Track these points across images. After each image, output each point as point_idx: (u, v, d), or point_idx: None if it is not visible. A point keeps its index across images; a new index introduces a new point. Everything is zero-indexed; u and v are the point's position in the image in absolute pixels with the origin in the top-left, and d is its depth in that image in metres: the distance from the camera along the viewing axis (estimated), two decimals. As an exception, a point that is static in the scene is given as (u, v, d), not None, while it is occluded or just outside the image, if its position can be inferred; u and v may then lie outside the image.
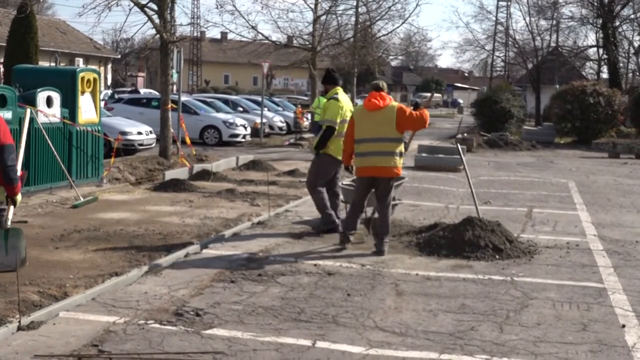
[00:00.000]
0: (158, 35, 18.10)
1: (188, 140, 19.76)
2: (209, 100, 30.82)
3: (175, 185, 13.92)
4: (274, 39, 33.79)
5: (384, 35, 40.44)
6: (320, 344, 5.79)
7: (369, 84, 9.93)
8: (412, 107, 9.57)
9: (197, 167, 16.82)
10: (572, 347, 5.93)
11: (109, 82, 57.71)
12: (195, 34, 69.05)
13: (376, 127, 9.12)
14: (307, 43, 32.27)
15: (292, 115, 32.35)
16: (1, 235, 7.20)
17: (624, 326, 6.50)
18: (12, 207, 7.08)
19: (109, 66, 59.59)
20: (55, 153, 12.55)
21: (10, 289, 6.70)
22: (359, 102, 42.06)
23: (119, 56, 72.45)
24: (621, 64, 49.93)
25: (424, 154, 20.99)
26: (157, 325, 6.09)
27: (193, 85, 73.37)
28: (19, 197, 7.10)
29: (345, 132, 9.68)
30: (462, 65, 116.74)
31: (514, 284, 7.85)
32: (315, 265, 8.38)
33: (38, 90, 12.61)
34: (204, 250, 9.01)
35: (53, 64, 35.05)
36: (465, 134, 31.22)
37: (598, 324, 6.58)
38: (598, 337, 6.19)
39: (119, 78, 74.70)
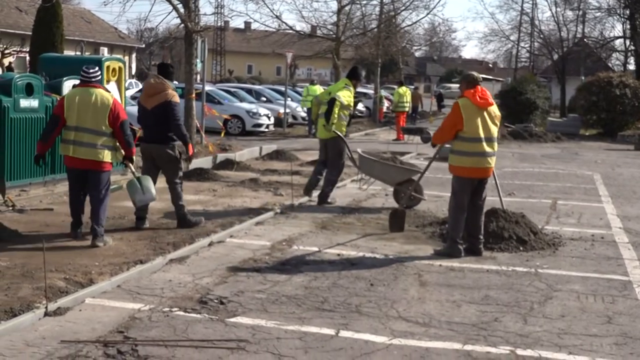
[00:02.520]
0: (182, 25, 18.14)
1: (223, 118, 19.59)
2: (232, 90, 30.88)
3: (199, 175, 13.97)
4: (298, 28, 33.82)
5: (408, 25, 40.22)
6: (344, 333, 5.81)
7: (454, 78, 9.98)
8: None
9: (221, 156, 16.87)
10: (596, 339, 5.91)
11: (134, 71, 57.95)
12: (219, 24, 69.15)
13: (490, 126, 8.69)
14: (331, 33, 32.20)
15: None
16: (136, 182, 9.25)
17: (649, 319, 6.46)
18: (131, 164, 9.06)
19: (133, 55, 59.86)
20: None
21: (37, 275, 6.78)
22: (383, 92, 42.01)
23: (143, 46, 72.74)
24: (648, 56, 49.37)
25: (447, 145, 20.84)
26: (181, 313, 6.13)
27: (217, 75, 73.50)
28: (134, 158, 9.05)
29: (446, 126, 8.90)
30: (486, 56, 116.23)
31: (538, 275, 7.82)
32: (338, 255, 8.40)
33: (64, 78, 12.66)
34: (228, 239, 9.05)
35: (78, 53, 35.27)
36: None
37: (623, 316, 6.54)
38: (623, 330, 6.16)
39: (143, 67, 74.94)
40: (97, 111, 8.47)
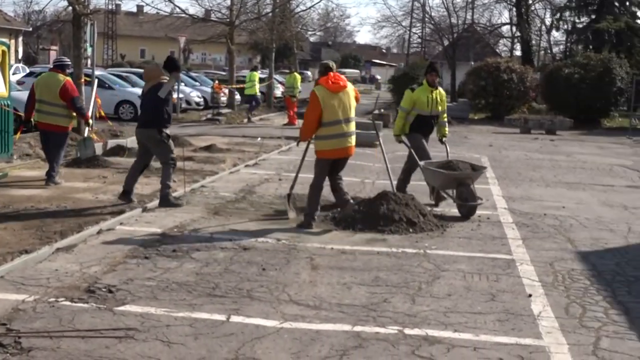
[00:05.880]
0: (70, 8, 17.63)
1: (102, 112, 19.34)
2: (124, 74, 30.25)
3: (88, 161, 13.62)
4: (191, 12, 33.44)
5: (302, 10, 40.47)
6: (235, 319, 5.80)
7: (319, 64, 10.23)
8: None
9: (112, 142, 16.51)
10: (480, 316, 6.10)
11: (20, 55, 55.93)
12: (110, 7, 67.59)
13: (347, 108, 9.34)
14: (224, 17, 31.97)
15: (209, 90, 32.03)
16: (82, 141, 13.05)
17: (530, 296, 6.71)
18: (87, 127, 12.48)
19: (20, 39, 57.72)
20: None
21: None
22: (278, 77, 42.03)
23: (31, 29, 70.21)
24: (533, 42, 51.16)
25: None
26: (68, 303, 5.99)
27: (108, 60, 71.83)
28: (90, 121, 12.57)
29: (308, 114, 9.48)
30: (379, 41, 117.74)
31: (426, 256, 8.01)
32: (230, 240, 8.37)
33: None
34: (118, 227, 8.88)
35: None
36: (383, 110, 31.48)
37: (506, 294, 6.77)
38: (506, 307, 6.38)
39: (31, 52, 72.49)
40: None
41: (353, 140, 9.48)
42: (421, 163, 10.94)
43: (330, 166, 9.50)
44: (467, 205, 10.28)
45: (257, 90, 28.54)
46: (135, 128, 10.61)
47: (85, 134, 13.06)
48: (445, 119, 11.84)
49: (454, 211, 10.53)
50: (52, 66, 12.63)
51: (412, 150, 11.28)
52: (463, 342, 5.49)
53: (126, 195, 10.20)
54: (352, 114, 9.44)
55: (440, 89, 11.57)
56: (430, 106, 11.29)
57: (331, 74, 9.38)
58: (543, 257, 8.22)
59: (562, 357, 5.30)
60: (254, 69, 29.57)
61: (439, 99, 11.40)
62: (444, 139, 11.87)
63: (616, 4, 44.14)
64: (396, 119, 11.86)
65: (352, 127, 9.43)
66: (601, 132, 29.61)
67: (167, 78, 10.15)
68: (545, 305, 6.44)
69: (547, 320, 6.05)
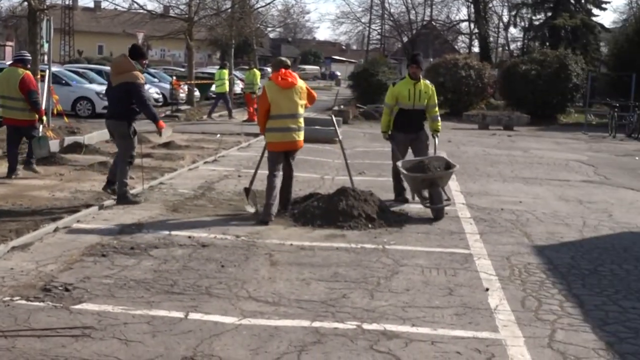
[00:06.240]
0: (26, 3, 17.38)
1: (60, 107, 19.13)
2: (81, 71, 29.90)
3: (45, 158, 13.44)
4: (149, 8, 33.18)
5: (262, 6, 40.37)
6: (193, 316, 5.78)
7: (274, 60, 10.38)
8: None
9: (69, 139, 16.32)
10: (438, 310, 6.15)
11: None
12: (66, 2, 66.72)
13: (293, 104, 9.60)
14: (183, 13, 31.76)
15: (168, 87, 31.79)
16: (37, 140, 12.36)
17: (487, 290, 6.78)
18: (41, 126, 12.51)
19: (-26, 34, 56.77)
20: None
21: None
22: (238, 73, 41.89)
23: (-15, 24, 69.04)
24: (491, 39, 51.65)
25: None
26: (23, 302, 5.91)
27: (65, 56, 70.87)
28: (44, 118, 12.73)
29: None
30: (339, 37, 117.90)
31: (385, 251, 8.05)
32: (189, 237, 8.33)
33: None
34: (75, 225, 8.78)
35: None
36: (342, 106, 31.58)
37: (463, 288, 6.84)
38: (463, 301, 6.44)
39: (-15, 47, 71.24)
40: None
41: (300, 135, 9.73)
42: (398, 164, 10.69)
43: (282, 158, 9.76)
44: (434, 208, 10.02)
45: (227, 88, 28.43)
46: (105, 119, 10.60)
47: (40, 133, 12.98)
48: (437, 114, 11.31)
49: (413, 207, 10.60)
50: (12, 61, 12.90)
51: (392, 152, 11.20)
52: (421, 337, 5.53)
53: (111, 186, 10.31)
54: (300, 110, 9.70)
55: (426, 82, 11.14)
56: (412, 99, 10.94)
57: (283, 70, 9.64)
58: (500, 251, 8.31)
59: (518, 350, 5.36)
60: (224, 66, 29.39)
61: (422, 92, 11.00)
62: (437, 133, 11.41)
63: (572, 1, 44.83)
64: (382, 115, 11.64)
65: (298, 122, 9.68)
66: (557, 128, 29.99)
67: (139, 72, 10.15)
68: (501, 299, 6.52)
69: (503, 314, 6.13)
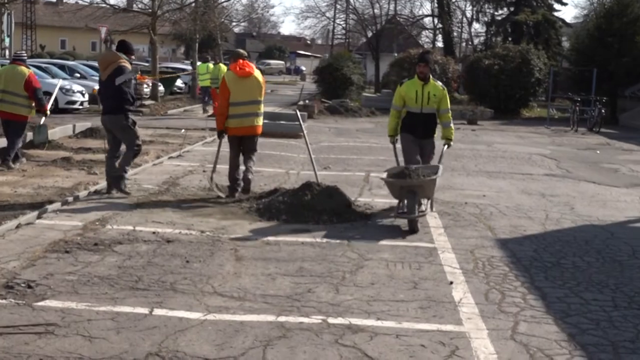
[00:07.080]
0: (-15, -4, 17.15)
1: None
2: (44, 65, 29.52)
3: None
4: (112, 2, 32.84)
5: (226, 1, 40.16)
6: (158, 312, 5.75)
7: (232, 52, 10.99)
8: None
9: (30, 135, 16.10)
10: (403, 304, 6.20)
11: None
12: (27, -4, 65.80)
13: (249, 92, 10.34)
14: (147, 7, 31.51)
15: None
16: (38, 128, 13.91)
17: (451, 283, 6.84)
18: (43, 117, 13.68)
19: None
20: None
21: None
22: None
23: (-56, 18, 67.96)
24: (455, 33, 51.98)
25: (265, 121, 20.80)
26: (-15, 299, 5.85)
27: (27, 50, 69.96)
28: (47, 112, 13.72)
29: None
30: (304, 32, 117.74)
31: (350, 246, 8.08)
32: (153, 233, 8.28)
33: None
34: (37, 221, 8.69)
35: None
36: (307, 101, 31.56)
37: (428, 281, 6.89)
38: (427, 294, 6.49)
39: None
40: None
41: (259, 121, 10.51)
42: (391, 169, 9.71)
43: (239, 144, 10.48)
44: (405, 218, 9.01)
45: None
46: (101, 115, 10.70)
47: (41, 122, 14.03)
48: (449, 120, 10.12)
49: (377, 201, 10.65)
50: (12, 59, 14.02)
51: (398, 152, 10.35)
52: (386, 330, 5.57)
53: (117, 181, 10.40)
54: (260, 97, 10.44)
55: (437, 83, 10.11)
56: (420, 102, 9.94)
57: (240, 61, 10.45)
58: (464, 244, 8.39)
59: (481, 343, 5.42)
60: (205, 60, 29.14)
61: (431, 95, 9.96)
62: (449, 142, 10.20)
63: (534, -4, 45.20)
64: (389, 118, 10.59)
65: (258, 109, 10.45)
66: (521, 122, 30.28)
67: (125, 60, 10.29)
68: (465, 292, 6.58)
69: (467, 307, 6.19)
